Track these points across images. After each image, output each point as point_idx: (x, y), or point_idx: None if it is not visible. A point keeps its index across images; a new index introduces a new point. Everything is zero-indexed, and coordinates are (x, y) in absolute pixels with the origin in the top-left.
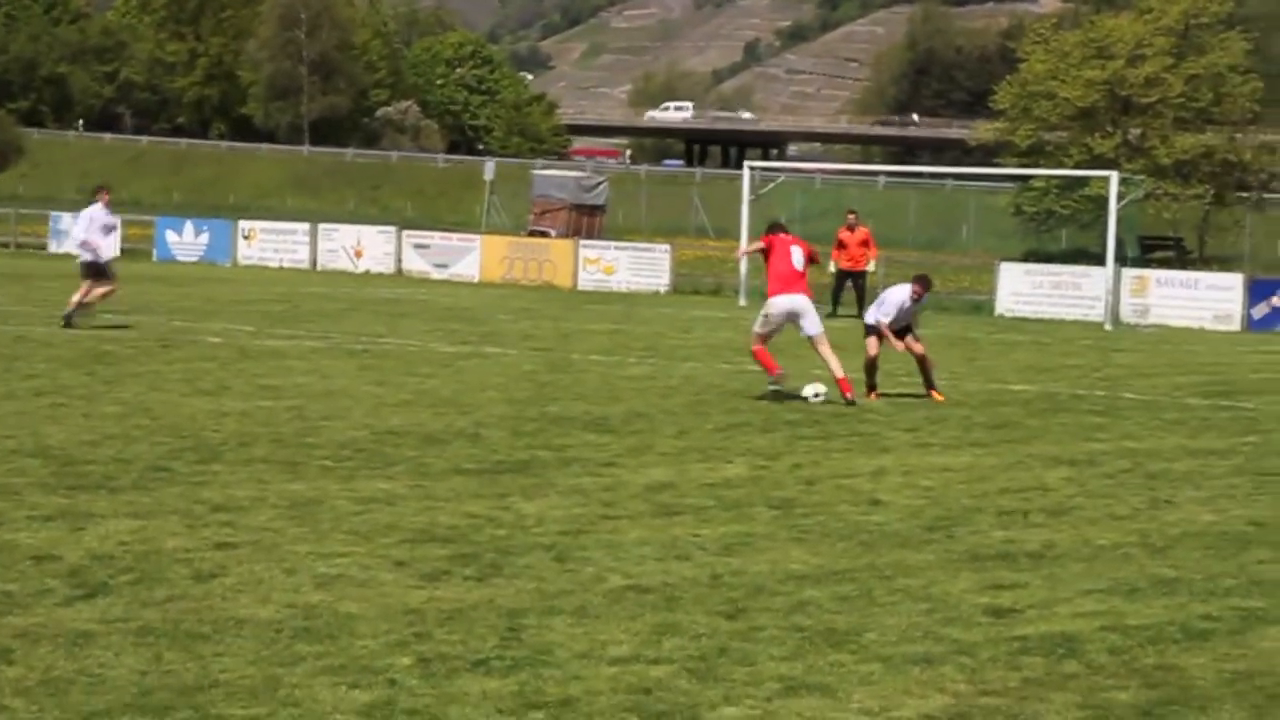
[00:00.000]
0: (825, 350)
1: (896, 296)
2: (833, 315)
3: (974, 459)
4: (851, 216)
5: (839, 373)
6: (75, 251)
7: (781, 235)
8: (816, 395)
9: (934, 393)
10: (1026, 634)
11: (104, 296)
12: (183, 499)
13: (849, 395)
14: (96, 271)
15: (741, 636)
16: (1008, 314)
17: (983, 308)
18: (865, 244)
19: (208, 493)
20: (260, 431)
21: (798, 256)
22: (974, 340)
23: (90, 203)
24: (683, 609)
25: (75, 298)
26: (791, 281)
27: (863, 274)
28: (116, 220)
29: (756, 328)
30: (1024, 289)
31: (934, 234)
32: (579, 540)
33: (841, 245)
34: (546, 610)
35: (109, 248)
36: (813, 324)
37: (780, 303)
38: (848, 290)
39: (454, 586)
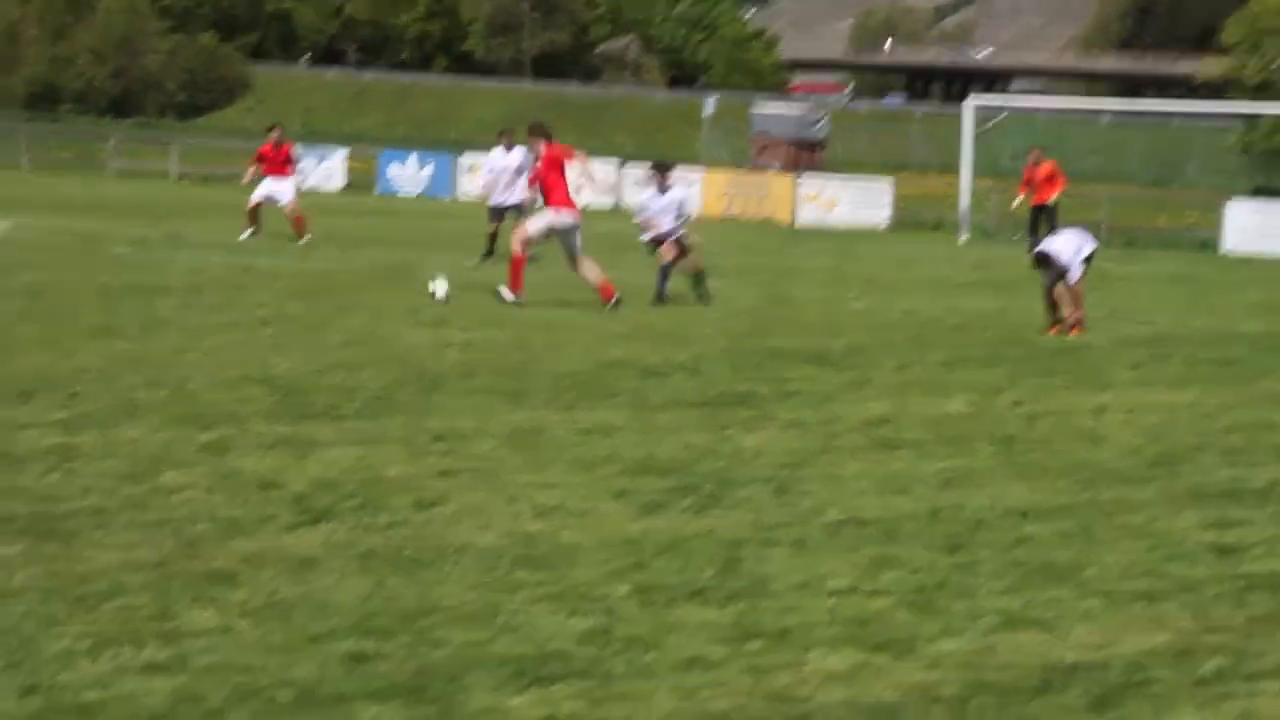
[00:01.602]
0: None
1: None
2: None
3: (1198, 397)
4: (1036, 152)
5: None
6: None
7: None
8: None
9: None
10: (1252, 571)
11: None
12: (405, 428)
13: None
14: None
15: (960, 570)
16: (1234, 252)
17: (1209, 245)
18: (1051, 179)
19: (430, 421)
20: (482, 361)
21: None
22: (1200, 278)
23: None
24: (901, 542)
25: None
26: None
27: (1051, 207)
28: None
29: (533, 233)
30: (1251, 226)
31: (1159, 171)
32: (798, 473)
33: (1029, 181)
34: (764, 542)
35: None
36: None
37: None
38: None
39: (672, 517)
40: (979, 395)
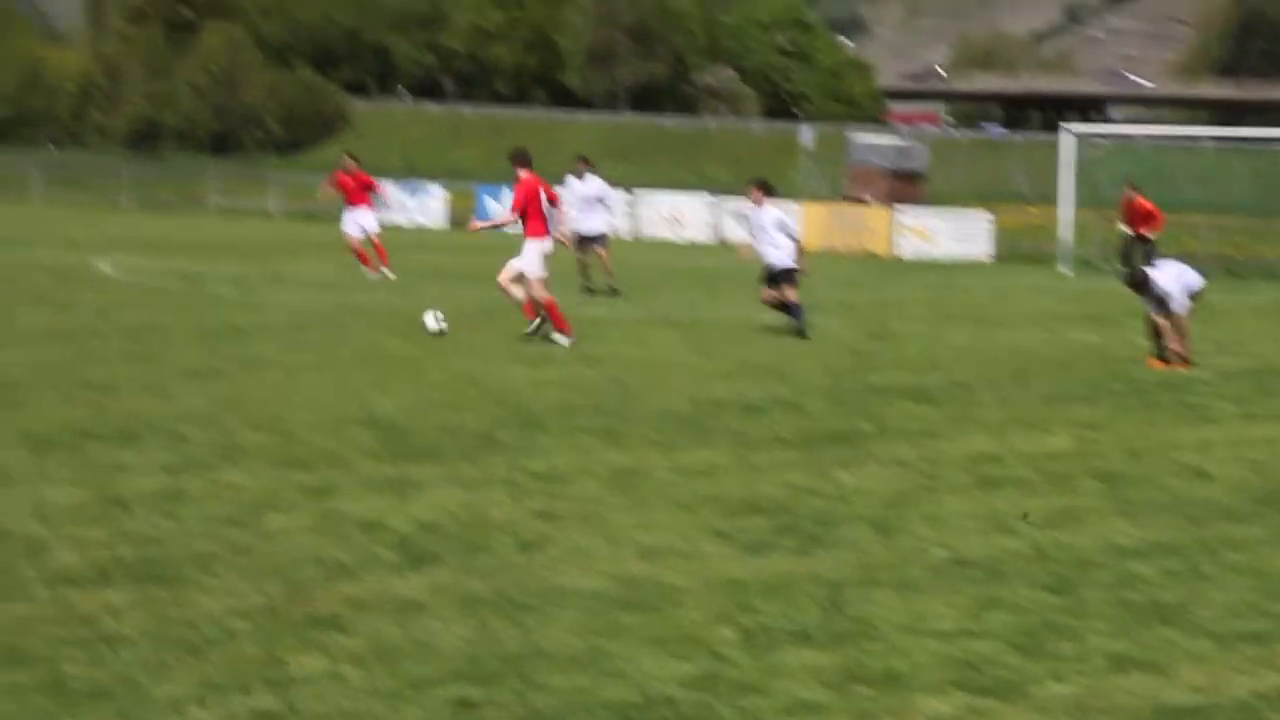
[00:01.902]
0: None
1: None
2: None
3: None
4: (1129, 190)
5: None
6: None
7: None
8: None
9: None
10: None
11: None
12: (507, 468)
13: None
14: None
15: (1068, 611)
16: None
17: None
18: (1148, 216)
19: (531, 462)
20: (582, 401)
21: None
22: None
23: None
24: (1007, 583)
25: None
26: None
27: (1150, 242)
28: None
29: (539, 273)
30: None
31: (1262, 200)
32: (900, 512)
33: (1127, 217)
34: (868, 582)
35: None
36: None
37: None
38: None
39: (776, 558)
40: (1082, 431)
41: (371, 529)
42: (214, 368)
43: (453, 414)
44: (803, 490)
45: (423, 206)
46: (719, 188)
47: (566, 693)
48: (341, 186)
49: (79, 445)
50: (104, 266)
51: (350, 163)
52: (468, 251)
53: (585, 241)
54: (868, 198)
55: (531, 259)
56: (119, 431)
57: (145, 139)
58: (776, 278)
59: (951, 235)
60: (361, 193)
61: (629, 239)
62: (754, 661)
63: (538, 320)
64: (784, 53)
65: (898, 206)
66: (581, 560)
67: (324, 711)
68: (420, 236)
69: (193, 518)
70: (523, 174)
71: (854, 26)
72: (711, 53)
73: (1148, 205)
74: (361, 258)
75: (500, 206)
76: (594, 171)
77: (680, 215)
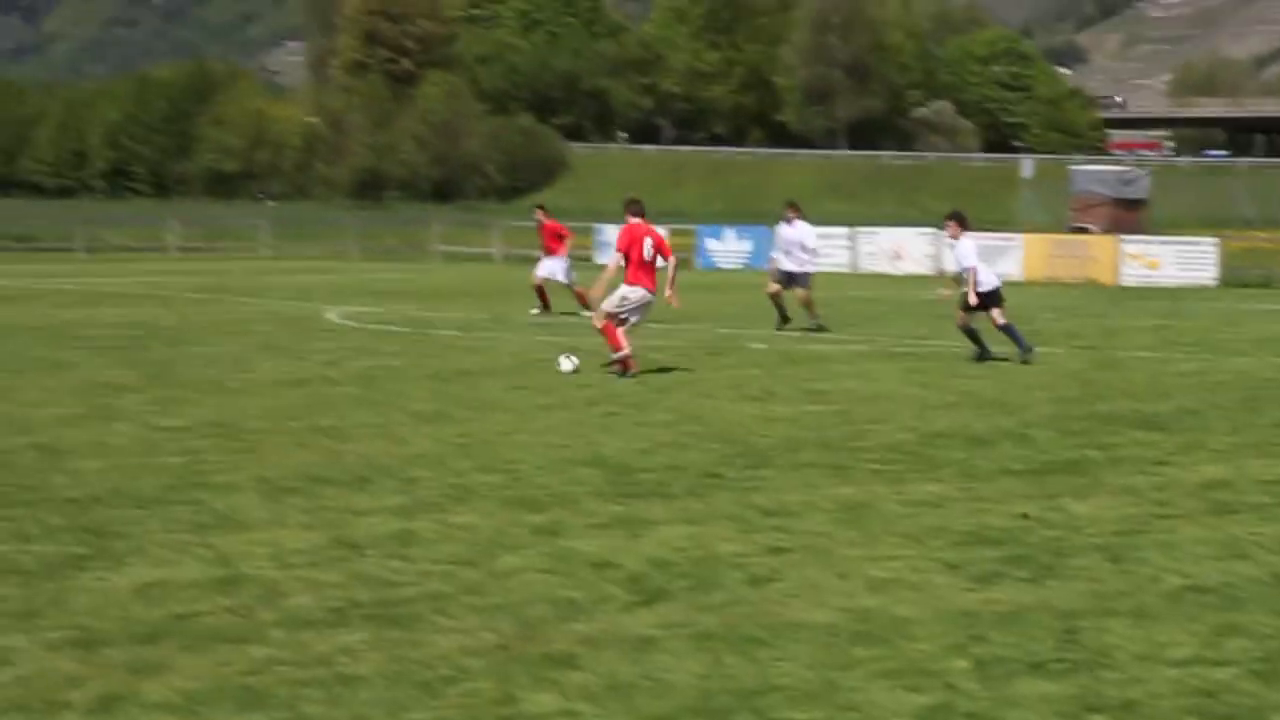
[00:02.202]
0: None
1: None
2: None
3: None
4: None
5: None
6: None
7: (639, 224)
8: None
9: None
10: None
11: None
12: (735, 504)
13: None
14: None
15: None
16: None
17: None
18: None
19: (759, 498)
20: (808, 436)
21: (649, 249)
22: None
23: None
24: (1245, 609)
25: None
26: (642, 273)
27: None
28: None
29: (608, 307)
30: None
31: None
32: (1133, 540)
33: None
34: (1103, 612)
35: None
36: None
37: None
38: None
39: (1007, 588)
40: None
41: (602, 567)
42: (443, 411)
43: (679, 452)
44: (1033, 520)
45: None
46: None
47: None
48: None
49: (313, 490)
50: (333, 315)
51: (540, 214)
52: (685, 290)
53: (789, 280)
54: (1092, 227)
55: (616, 298)
56: (352, 476)
57: (369, 188)
58: (985, 302)
59: (1176, 262)
60: (555, 241)
61: (849, 273)
62: (987, 692)
63: (623, 354)
64: (1002, 85)
65: (1121, 235)
66: (812, 594)
67: None
68: None
69: (425, 559)
70: (632, 220)
71: (1072, 56)
72: (928, 87)
73: None
74: (541, 296)
75: (720, 243)
76: (801, 217)
77: (900, 249)
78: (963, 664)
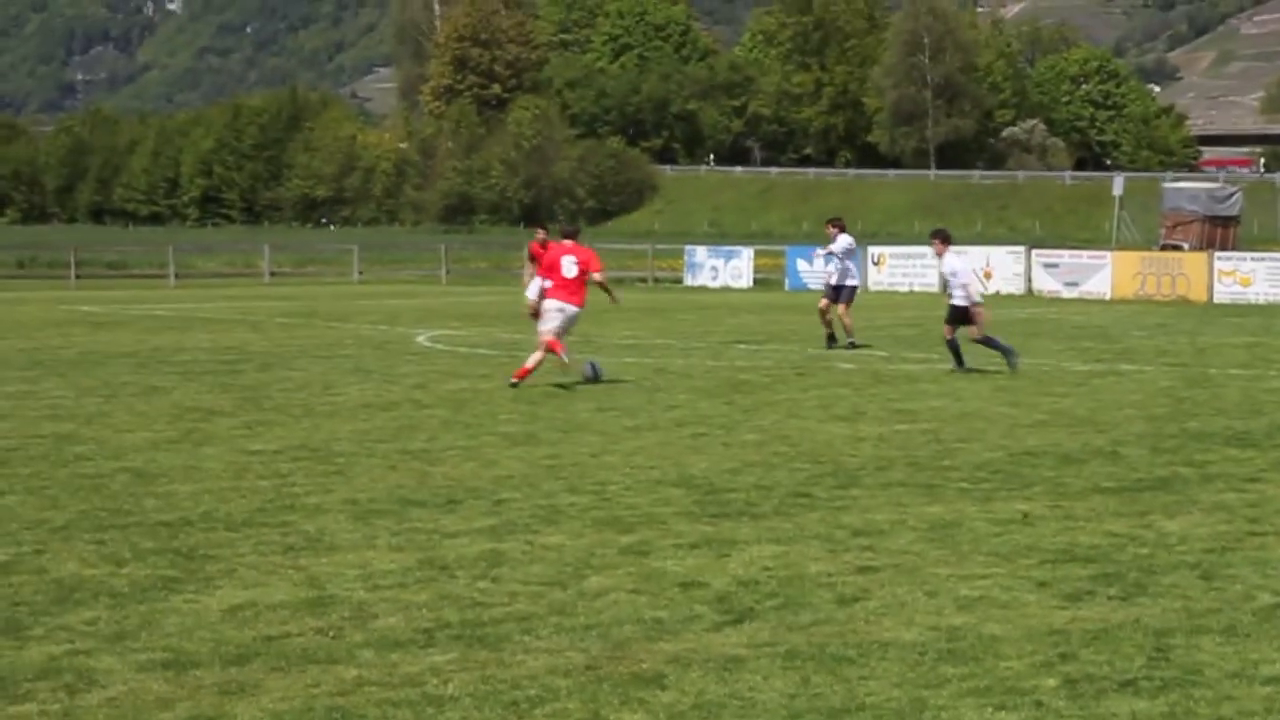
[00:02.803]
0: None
1: None
2: None
3: None
4: None
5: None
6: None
7: (560, 246)
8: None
9: None
10: None
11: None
12: (823, 524)
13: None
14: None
15: None
16: None
17: None
18: None
19: (847, 517)
20: (897, 455)
21: (569, 266)
22: None
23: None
24: None
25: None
26: (563, 287)
27: None
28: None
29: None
30: None
31: None
32: (1225, 557)
33: None
34: (1194, 629)
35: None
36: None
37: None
38: None
39: (1098, 606)
40: None
41: (690, 587)
42: (532, 433)
43: (767, 472)
44: (1123, 538)
45: (732, 269)
46: (1031, 240)
47: None
48: (535, 257)
49: (402, 512)
50: (422, 339)
51: (542, 234)
52: (774, 310)
53: (833, 294)
54: (1185, 245)
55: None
56: (441, 498)
57: (458, 213)
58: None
59: (1269, 279)
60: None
61: (939, 293)
62: (1078, 710)
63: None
64: (1093, 103)
65: (1213, 252)
66: (901, 612)
67: None
68: (727, 298)
69: (514, 580)
70: (567, 243)
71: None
72: (1019, 106)
73: None
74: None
75: (810, 265)
76: (845, 232)
77: (990, 268)
78: (1052, 682)
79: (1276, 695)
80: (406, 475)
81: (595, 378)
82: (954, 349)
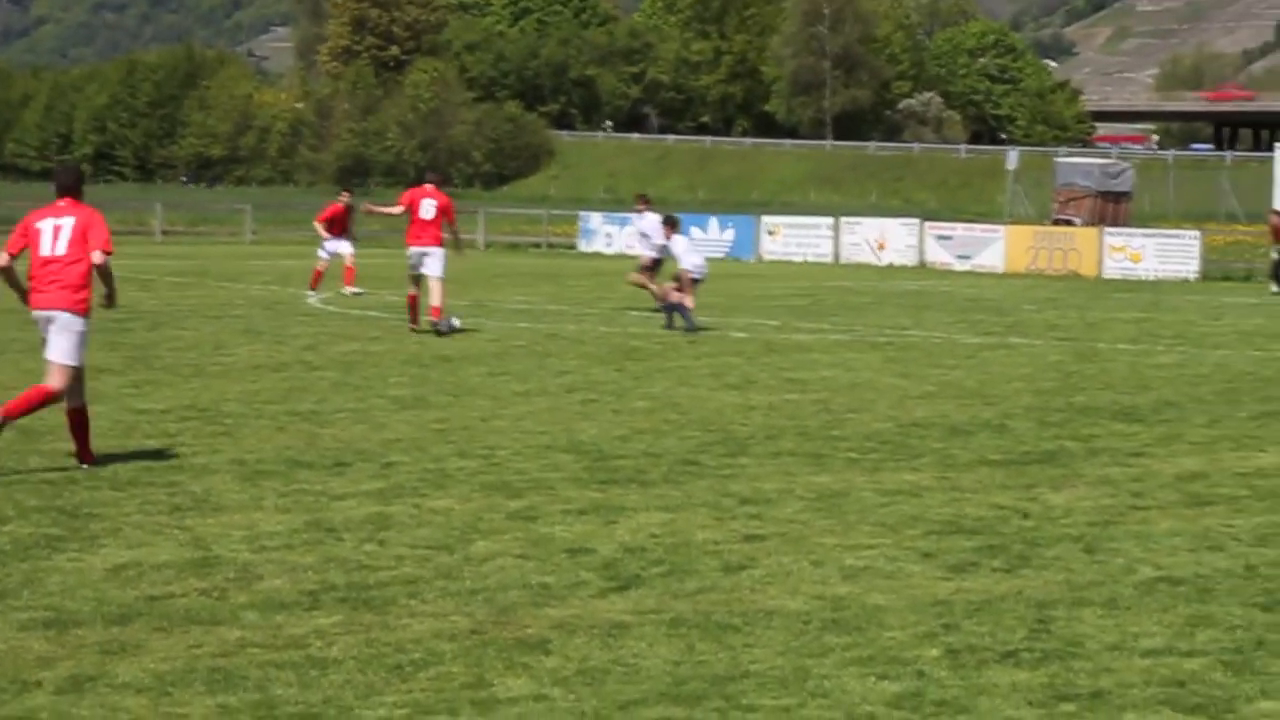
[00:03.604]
0: (434, 287)
1: None
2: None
3: None
4: (1274, 217)
5: (435, 301)
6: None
7: (421, 189)
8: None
9: None
10: None
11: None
12: (711, 492)
13: (435, 320)
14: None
15: (1279, 629)
16: None
17: None
18: None
19: (735, 485)
20: (786, 424)
21: (428, 209)
22: None
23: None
24: (1217, 600)
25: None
26: (422, 230)
27: None
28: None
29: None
30: None
31: None
32: (1108, 531)
33: (1276, 229)
34: (1076, 602)
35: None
36: (433, 267)
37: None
38: None
39: (981, 578)
40: None
41: (577, 553)
42: (421, 396)
43: (657, 439)
44: (1009, 510)
45: (627, 236)
46: (925, 212)
47: (771, 713)
48: (332, 218)
49: (290, 474)
50: (314, 300)
51: (346, 196)
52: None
53: (645, 268)
54: (1075, 219)
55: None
56: (329, 460)
57: (353, 175)
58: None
59: (1159, 255)
60: (345, 226)
61: (832, 264)
62: (960, 681)
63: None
64: (989, 77)
65: (1105, 227)
66: (786, 581)
67: None
68: (621, 264)
69: (401, 543)
70: (428, 187)
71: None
72: (917, 78)
73: None
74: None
75: (704, 233)
76: (651, 210)
77: (884, 239)
78: (934, 652)
79: (1155, 668)
80: (295, 437)
81: (449, 331)
82: (669, 310)
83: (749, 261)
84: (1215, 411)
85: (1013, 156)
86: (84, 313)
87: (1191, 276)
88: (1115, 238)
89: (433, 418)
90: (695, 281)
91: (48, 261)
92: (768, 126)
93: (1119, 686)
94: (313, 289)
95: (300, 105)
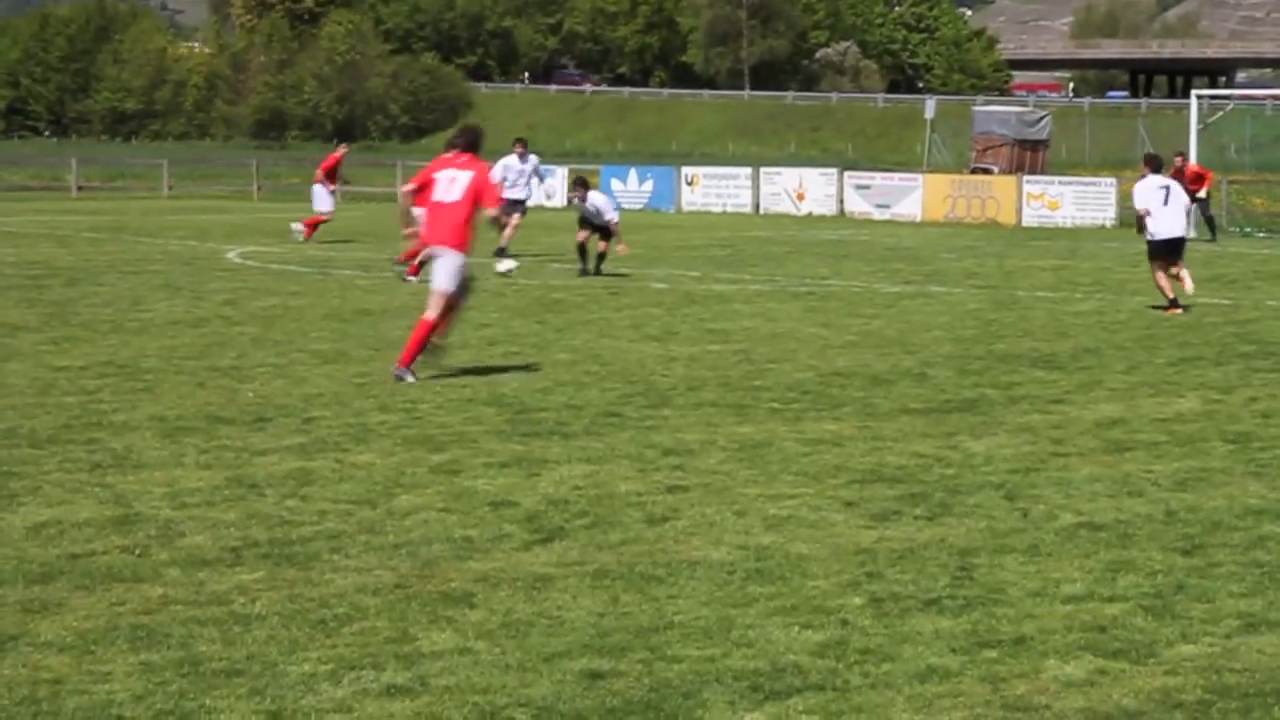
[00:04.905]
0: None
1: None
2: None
3: None
4: (1179, 159)
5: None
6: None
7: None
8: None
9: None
10: None
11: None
12: (634, 443)
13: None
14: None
15: (1198, 573)
16: None
17: None
18: (1198, 178)
19: (658, 437)
20: (708, 375)
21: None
22: None
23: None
24: (1137, 546)
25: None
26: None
27: (1204, 199)
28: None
29: None
30: None
31: None
32: (1029, 478)
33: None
34: (998, 549)
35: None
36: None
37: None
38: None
39: (904, 526)
40: (1212, 394)
41: (500, 506)
42: (342, 351)
43: (579, 391)
44: (930, 458)
45: (545, 188)
46: (843, 162)
47: (695, 663)
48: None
49: (211, 430)
50: (233, 255)
51: (343, 148)
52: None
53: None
54: (993, 167)
55: None
56: (250, 415)
57: (270, 128)
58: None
59: (1076, 203)
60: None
61: (752, 214)
62: (883, 629)
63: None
64: (906, 26)
65: (1023, 175)
66: (710, 532)
67: (454, 685)
68: (540, 216)
69: (323, 498)
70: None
71: None
72: (834, 28)
73: (1196, 169)
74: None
75: (624, 184)
76: (529, 153)
77: (803, 189)
78: (858, 601)
79: (1076, 613)
80: (215, 393)
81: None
82: (582, 252)
83: (668, 212)
84: (1134, 358)
85: (930, 105)
86: None
87: (1109, 223)
88: (1033, 185)
89: (354, 372)
90: (599, 229)
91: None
92: (685, 77)
93: (1041, 633)
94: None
95: (215, 59)
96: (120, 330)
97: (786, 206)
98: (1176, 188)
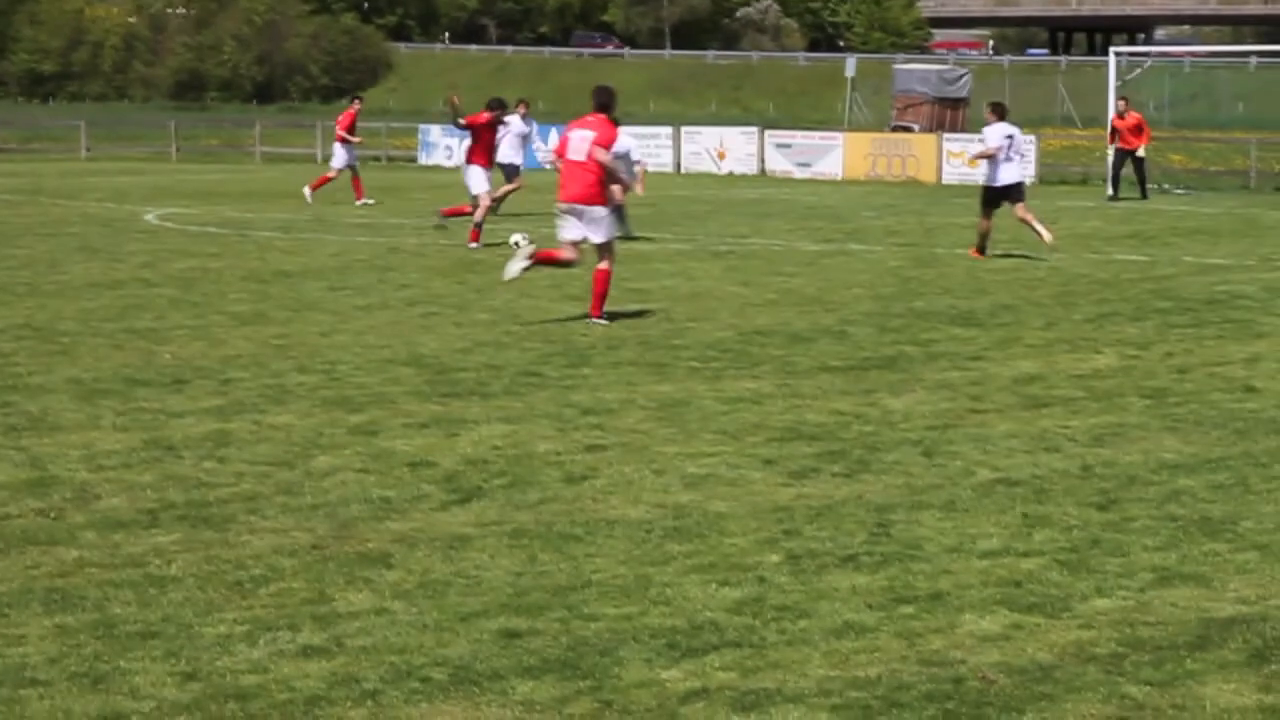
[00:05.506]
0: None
1: None
2: (1114, 198)
3: None
4: (1121, 103)
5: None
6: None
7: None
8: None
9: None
10: None
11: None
12: (553, 403)
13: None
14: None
15: (1113, 527)
16: None
17: None
18: (1138, 129)
19: (577, 396)
20: (628, 334)
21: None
22: None
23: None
24: (1053, 501)
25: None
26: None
27: (1140, 157)
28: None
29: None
30: None
31: None
32: (947, 435)
33: (1115, 130)
34: (915, 505)
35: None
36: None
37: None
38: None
39: (822, 483)
40: (1129, 349)
41: (418, 466)
42: (261, 312)
43: (498, 351)
44: (849, 416)
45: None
46: (764, 121)
47: (613, 621)
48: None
49: (127, 392)
50: (151, 217)
51: (357, 103)
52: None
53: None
54: (913, 125)
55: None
56: (167, 377)
57: (189, 90)
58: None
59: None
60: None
61: (673, 173)
62: (800, 586)
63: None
64: None
65: (943, 133)
66: (628, 491)
67: (371, 646)
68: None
69: (240, 460)
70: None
71: None
72: None
73: (1136, 119)
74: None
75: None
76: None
77: (724, 148)
78: (775, 558)
79: (992, 568)
80: (132, 355)
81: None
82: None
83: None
84: (1051, 315)
85: (851, 64)
86: None
87: (1028, 180)
88: (953, 143)
89: (272, 333)
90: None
91: None
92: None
93: (957, 588)
94: (360, 198)
95: (133, 19)
96: (37, 293)
97: (707, 165)
98: (1020, 136)
